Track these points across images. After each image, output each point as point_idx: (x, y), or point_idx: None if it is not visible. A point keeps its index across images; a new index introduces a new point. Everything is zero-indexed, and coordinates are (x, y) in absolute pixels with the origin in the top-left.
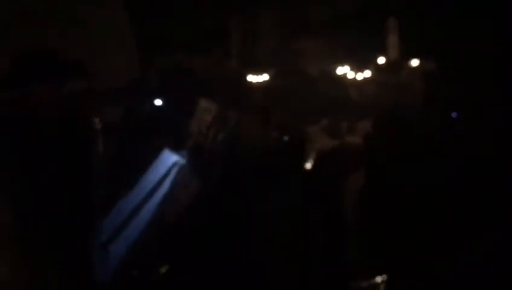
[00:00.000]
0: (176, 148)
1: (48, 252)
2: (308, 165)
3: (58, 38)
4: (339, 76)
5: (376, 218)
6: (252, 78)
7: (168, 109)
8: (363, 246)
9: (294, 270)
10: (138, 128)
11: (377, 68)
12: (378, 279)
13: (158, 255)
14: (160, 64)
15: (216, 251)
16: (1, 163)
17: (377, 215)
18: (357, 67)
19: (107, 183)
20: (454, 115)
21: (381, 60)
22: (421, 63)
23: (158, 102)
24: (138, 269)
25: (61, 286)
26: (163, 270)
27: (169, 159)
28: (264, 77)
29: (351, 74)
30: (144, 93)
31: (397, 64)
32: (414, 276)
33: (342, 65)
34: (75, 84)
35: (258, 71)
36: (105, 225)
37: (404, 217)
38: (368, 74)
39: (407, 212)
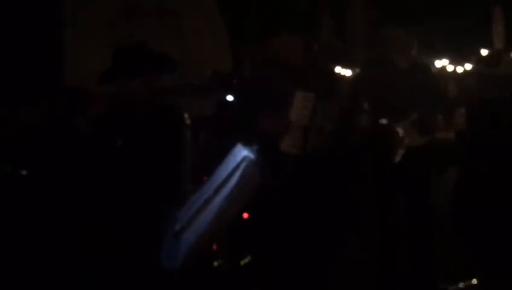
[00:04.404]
0: (248, 144)
1: (123, 237)
2: (396, 162)
3: (152, 33)
4: (432, 68)
5: (469, 219)
6: (339, 70)
7: (258, 102)
8: (454, 247)
9: (381, 271)
10: (227, 122)
11: (479, 61)
12: (472, 282)
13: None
14: (252, 57)
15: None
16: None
17: (471, 215)
18: (458, 60)
19: (188, 174)
20: None
21: (484, 52)
22: None
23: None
24: (204, 259)
25: (130, 271)
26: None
27: (240, 153)
28: (350, 71)
29: (450, 67)
30: (236, 86)
31: (500, 56)
32: (507, 280)
33: (440, 58)
34: (168, 78)
35: (345, 62)
36: (179, 214)
37: (499, 218)
38: (468, 66)
39: (502, 213)
